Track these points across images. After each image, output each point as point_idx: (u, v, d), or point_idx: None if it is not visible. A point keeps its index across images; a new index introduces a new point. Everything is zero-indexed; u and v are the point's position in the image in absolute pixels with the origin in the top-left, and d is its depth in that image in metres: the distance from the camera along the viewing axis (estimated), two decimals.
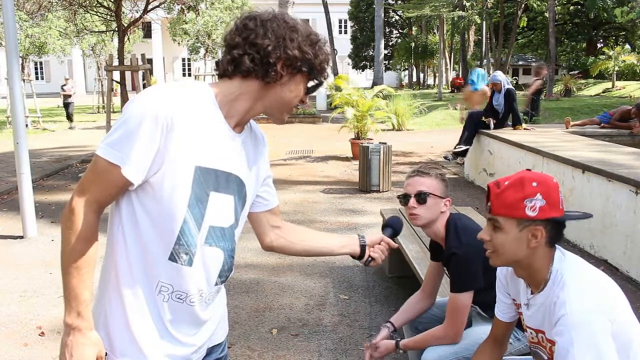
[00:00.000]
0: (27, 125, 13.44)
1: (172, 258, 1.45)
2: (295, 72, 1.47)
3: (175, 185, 1.40)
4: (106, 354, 1.48)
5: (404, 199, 2.51)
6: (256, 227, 1.77)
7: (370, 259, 1.84)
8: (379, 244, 1.86)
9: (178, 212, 1.41)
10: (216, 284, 1.56)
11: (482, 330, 2.41)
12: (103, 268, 1.52)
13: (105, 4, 15.07)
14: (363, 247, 1.83)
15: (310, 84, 1.54)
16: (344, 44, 41.69)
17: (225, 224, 1.52)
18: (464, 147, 8.82)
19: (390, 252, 1.90)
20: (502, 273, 2.03)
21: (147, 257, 1.45)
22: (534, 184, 1.70)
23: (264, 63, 1.43)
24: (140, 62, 12.27)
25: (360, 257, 1.84)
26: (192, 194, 1.42)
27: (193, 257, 1.46)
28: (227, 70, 1.48)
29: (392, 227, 1.95)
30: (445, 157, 9.48)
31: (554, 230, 1.72)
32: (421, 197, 2.46)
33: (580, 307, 1.63)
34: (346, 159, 11.35)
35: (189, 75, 44.65)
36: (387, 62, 39.55)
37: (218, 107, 1.46)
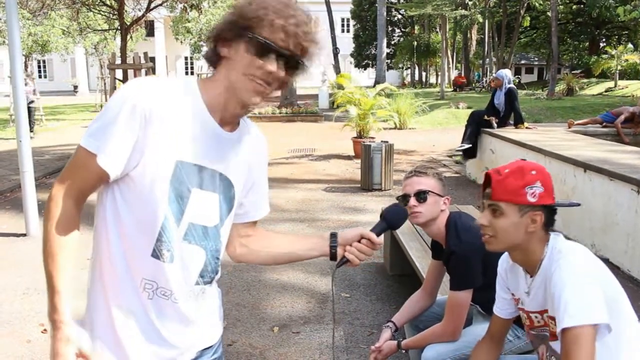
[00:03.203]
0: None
1: (155, 255, 1.41)
2: (236, 43, 1.37)
3: (156, 179, 1.36)
4: None
5: (404, 199, 2.52)
6: None
7: (344, 259, 1.62)
8: (359, 241, 1.61)
9: (159, 207, 1.38)
10: (197, 284, 1.49)
11: (482, 328, 2.41)
12: (90, 265, 1.50)
13: (108, 2, 15.10)
14: (333, 249, 1.62)
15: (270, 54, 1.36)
16: (346, 43, 41.69)
17: (208, 223, 1.47)
18: (466, 146, 8.83)
19: (374, 249, 1.63)
20: (502, 267, 2.06)
21: (131, 253, 1.41)
22: (533, 172, 1.79)
23: (212, 49, 1.43)
24: (142, 61, 12.30)
25: (333, 258, 1.64)
26: (172, 189, 1.38)
27: (174, 253, 1.42)
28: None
29: (386, 219, 1.69)
30: (457, 162, 9.46)
31: (550, 216, 1.82)
32: (421, 196, 2.48)
33: (573, 263, 1.72)
34: (348, 157, 11.36)
35: (192, 73, 44.69)
36: (389, 60, 39.54)
37: (204, 103, 1.42)
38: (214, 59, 1.42)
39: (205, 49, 1.49)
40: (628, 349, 1.75)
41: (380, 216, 1.72)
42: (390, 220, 1.69)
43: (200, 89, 1.43)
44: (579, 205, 1.95)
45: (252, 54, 1.35)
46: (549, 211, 1.81)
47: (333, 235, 1.64)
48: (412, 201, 2.49)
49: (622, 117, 8.76)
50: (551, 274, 1.75)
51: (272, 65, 1.35)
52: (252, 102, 1.39)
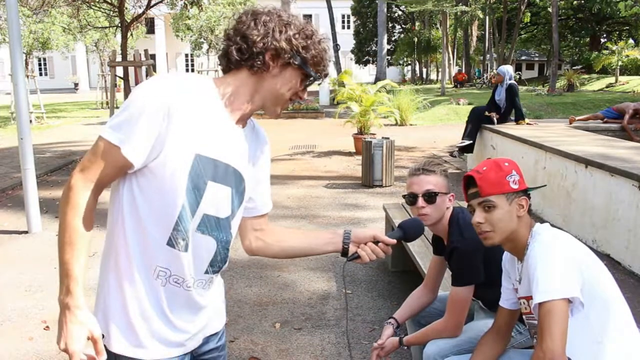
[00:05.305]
0: (31, 121, 13.46)
1: (170, 243, 1.47)
2: (286, 65, 1.49)
3: (175, 171, 1.42)
4: (102, 336, 1.49)
5: (412, 198, 2.48)
6: (239, 228, 1.74)
7: (355, 254, 1.71)
8: (375, 242, 1.71)
9: (177, 198, 1.44)
10: (207, 272, 1.57)
11: (483, 324, 2.42)
12: (103, 254, 1.55)
13: None
14: (346, 245, 1.72)
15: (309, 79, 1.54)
16: (346, 40, 41.60)
17: (221, 215, 1.54)
18: (467, 142, 8.83)
19: (388, 250, 1.74)
20: (506, 257, 2.14)
21: (146, 242, 1.47)
22: (506, 164, 1.98)
23: (250, 53, 1.46)
24: (143, 58, 12.29)
25: (344, 254, 1.74)
26: (190, 181, 1.44)
27: (188, 242, 1.49)
28: (222, 64, 1.54)
29: (404, 230, 1.77)
30: (451, 154, 9.47)
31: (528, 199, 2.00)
32: (430, 197, 2.45)
33: (544, 243, 1.85)
34: (349, 154, 11.36)
35: (192, 71, 44.67)
36: (389, 57, 39.51)
37: (220, 100, 1.50)
38: (257, 63, 1.47)
39: (226, 44, 1.52)
40: (613, 327, 1.79)
41: (399, 226, 1.80)
42: (412, 234, 1.79)
43: (218, 90, 1.50)
44: (545, 186, 2.15)
45: (299, 80, 1.52)
46: (528, 195, 1.98)
47: (347, 232, 1.74)
48: (420, 202, 2.45)
49: (627, 116, 8.64)
50: (529, 257, 1.85)
51: (305, 93, 1.57)
52: (278, 113, 1.57)
